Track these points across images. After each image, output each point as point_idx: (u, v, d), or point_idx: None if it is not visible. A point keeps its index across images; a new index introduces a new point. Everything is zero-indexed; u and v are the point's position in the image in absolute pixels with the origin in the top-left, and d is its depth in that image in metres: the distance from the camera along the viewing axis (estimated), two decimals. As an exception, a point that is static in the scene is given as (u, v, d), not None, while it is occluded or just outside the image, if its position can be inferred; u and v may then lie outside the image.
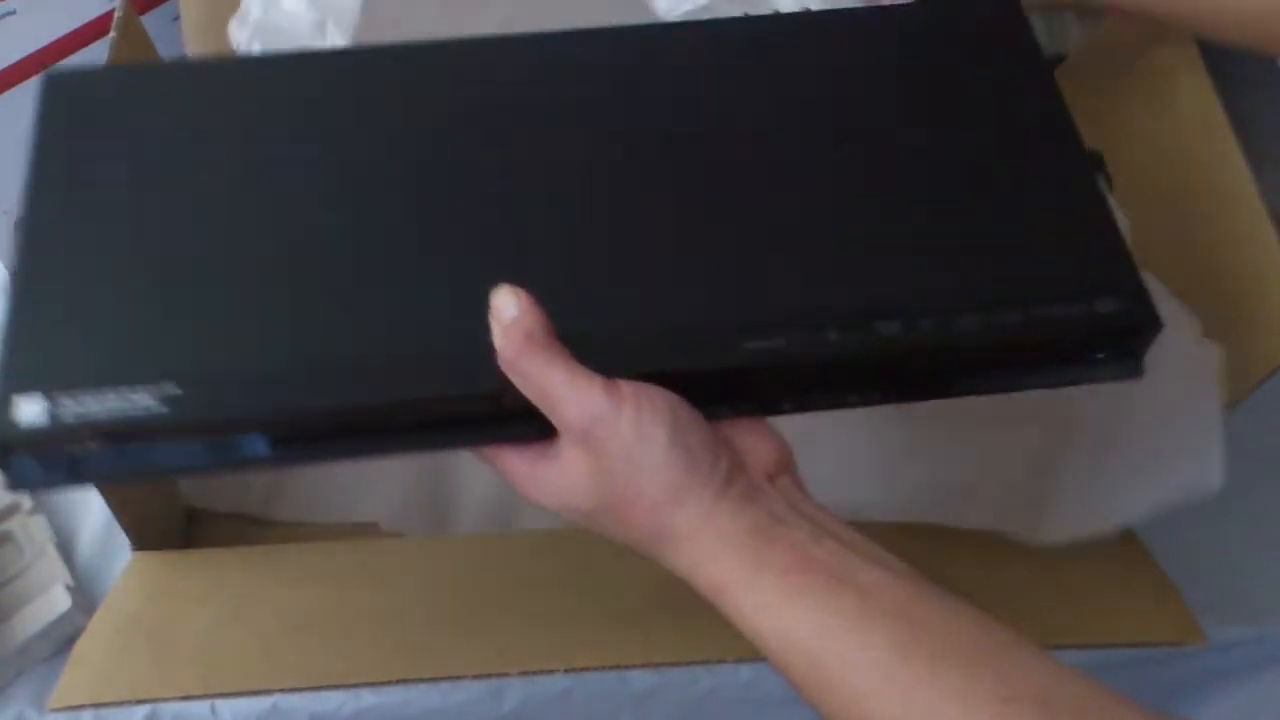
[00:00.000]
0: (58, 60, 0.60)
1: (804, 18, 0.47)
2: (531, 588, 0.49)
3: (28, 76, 0.59)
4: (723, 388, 0.37)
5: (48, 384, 0.35)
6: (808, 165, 0.41)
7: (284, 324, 0.37)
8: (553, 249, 0.39)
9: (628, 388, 0.34)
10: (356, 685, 0.46)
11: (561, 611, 0.48)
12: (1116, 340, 0.38)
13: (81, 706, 0.44)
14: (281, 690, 0.45)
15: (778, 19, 0.47)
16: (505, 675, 0.46)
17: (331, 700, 0.46)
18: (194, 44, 0.61)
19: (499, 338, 0.35)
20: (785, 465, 0.37)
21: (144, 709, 0.45)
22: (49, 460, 0.35)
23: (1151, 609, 0.48)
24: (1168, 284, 0.50)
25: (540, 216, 0.39)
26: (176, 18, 0.61)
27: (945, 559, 0.50)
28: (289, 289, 0.38)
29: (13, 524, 0.53)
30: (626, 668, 0.47)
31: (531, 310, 0.35)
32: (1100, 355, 0.38)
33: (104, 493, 0.48)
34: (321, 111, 0.42)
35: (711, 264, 0.38)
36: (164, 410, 0.35)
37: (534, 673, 0.46)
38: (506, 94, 0.42)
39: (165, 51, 0.58)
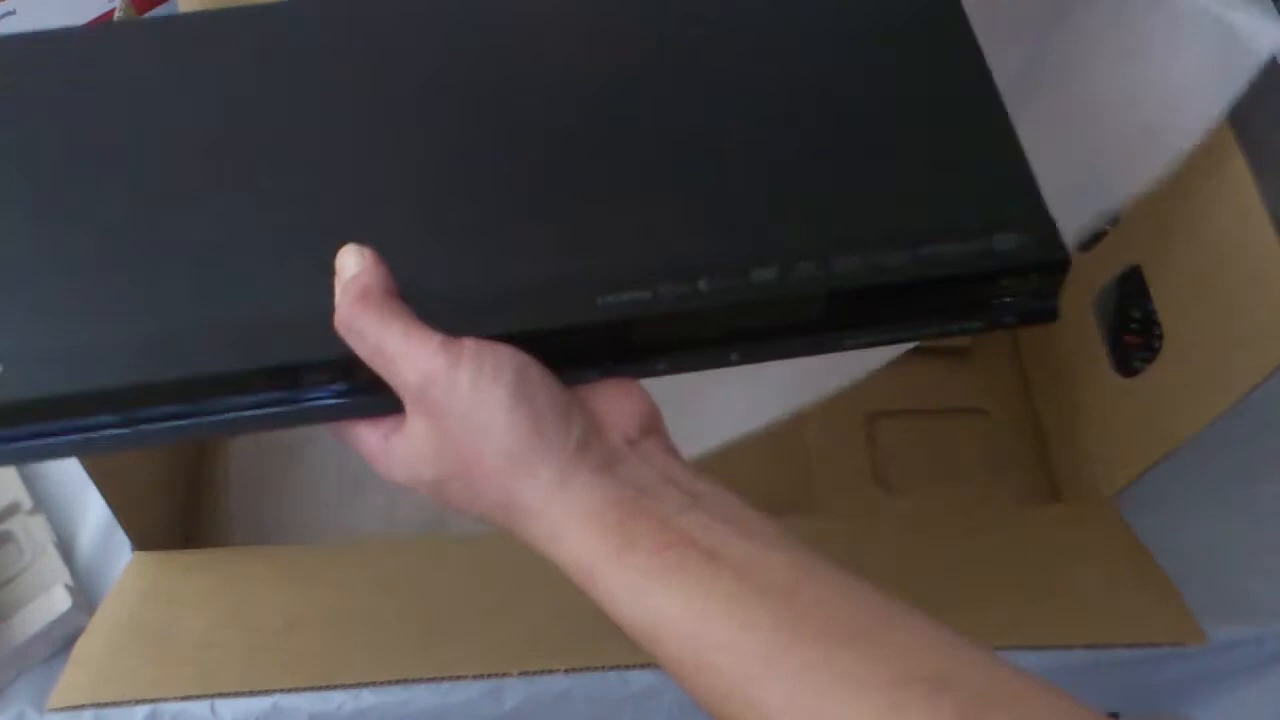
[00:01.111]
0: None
1: None
2: (531, 588, 0.49)
3: (28, 76, 0.59)
4: (586, 348, 0.34)
5: None
6: (677, 103, 0.38)
7: (121, 298, 0.35)
8: (401, 207, 0.36)
9: (469, 344, 0.32)
10: (356, 685, 0.46)
11: (561, 611, 0.48)
12: (1020, 281, 0.35)
13: (81, 706, 0.44)
14: (281, 690, 0.45)
15: None
16: (505, 675, 0.46)
17: (331, 700, 0.46)
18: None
19: (337, 295, 0.33)
20: (651, 425, 0.34)
21: (144, 709, 0.45)
22: None
23: (1151, 609, 0.48)
24: (1167, 285, 0.50)
25: (388, 174, 0.37)
26: (176, 17, 0.61)
27: (945, 558, 0.50)
28: (128, 261, 0.36)
29: (13, 524, 0.53)
30: (626, 668, 0.47)
31: (373, 267, 0.33)
32: (1007, 299, 0.35)
33: (104, 492, 0.48)
34: (173, 77, 0.40)
35: (569, 216, 0.36)
36: None
37: (534, 673, 0.46)
38: (358, 46, 0.40)
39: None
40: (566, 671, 0.46)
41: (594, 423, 0.33)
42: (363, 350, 0.33)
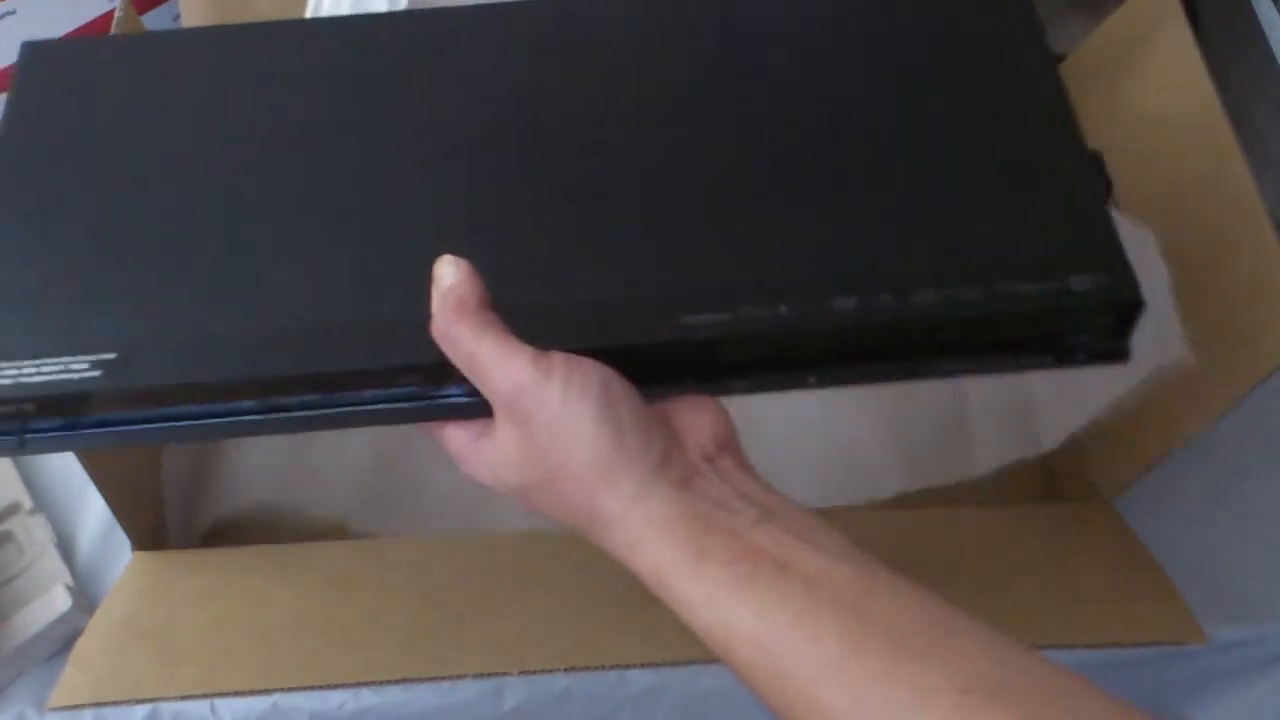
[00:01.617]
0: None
1: None
2: (531, 588, 0.49)
3: (28, 76, 0.59)
4: (667, 365, 0.36)
5: None
6: (766, 133, 0.39)
7: (230, 293, 0.37)
8: (495, 223, 0.38)
9: (558, 358, 0.33)
10: (356, 685, 0.46)
11: (561, 611, 0.48)
12: (1095, 322, 0.36)
13: (82, 706, 0.44)
14: (281, 690, 0.45)
15: None
16: (505, 675, 0.46)
17: (331, 700, 0.46)
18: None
19: (434, 304, 0.35)
20: (727, 444, 0.35)
21: (144, 708, 0.45)
22: None
23: (1151, 609, 0.48)
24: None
25: (484, 190, 0.39)
26: (177, 17, 0.61)
27: (945, 558, 0.50)
28: (235, 259, 0.37)
29: (13, 524, 0.53)
30: (626, 667, 0.47)
31: (469, 279, 0.34)
32: (1081, 338, 0.36)
33: (104, 492, 0.48)
34: (270, 85, 0.42)
35: (656, 237, 0.37)
36: (99, 376, 0.35)
37: (534, 672, 0.46)
38: (454, 68, 0.42)
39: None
40: (566, 671, 0.46)
41: (674, 439, 0.35)
42: (457, 357, 0.34)
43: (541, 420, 0.33)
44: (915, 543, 0.51)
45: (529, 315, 0.34)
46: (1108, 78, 0.57)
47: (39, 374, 0.35)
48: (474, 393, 0.35)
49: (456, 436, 0.36)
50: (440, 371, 0.35)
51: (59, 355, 0.35)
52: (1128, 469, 0.52)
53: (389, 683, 0.46)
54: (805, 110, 0.40)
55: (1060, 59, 0.64)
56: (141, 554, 0.51)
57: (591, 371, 0.33)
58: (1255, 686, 0.53)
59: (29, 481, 0.55)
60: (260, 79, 0.42)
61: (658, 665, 0.47)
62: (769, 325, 0.35)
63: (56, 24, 0.60)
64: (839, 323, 0.35)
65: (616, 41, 0.42)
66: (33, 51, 0.42)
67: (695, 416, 0.35)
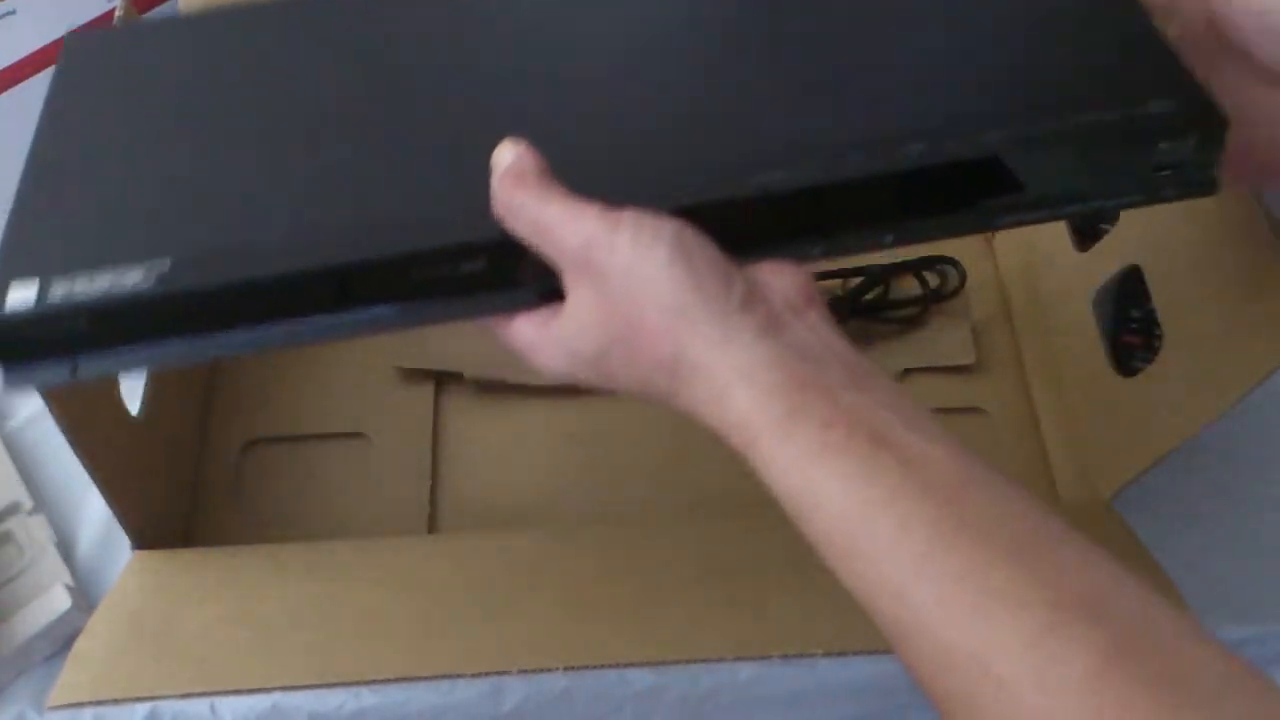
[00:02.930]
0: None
1: None
2: (531, 587, 0.49)
3: (28, 76, 0.59)
4: (738, 229, 0.34)
5: (44, 270, 0.35)
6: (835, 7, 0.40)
7: (281, 198, 0.37)
8: (553, 101, 0.38)
9: (628, 211, 0.33)
10: (356, 684, 0.46)
11: (561, 611, 0.48)
12: (1180, 145, 0.34)
13: (81, 705, 0.44)
14: (281, 689, 0.45)
15: None
16: (505, 674, 0.46)
17: (331, 699, 0.46)
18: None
19: (493, 183, 0.34)
20: (812, 299, 0.34)
21: (144, 707, 0.45)
22: (43, 351, 0.35)
23: (1151, 609, 0.48)
24: (1167, 285, 0.50)
25: (543, 79, 0.39)
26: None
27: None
28: (287, 166, 0.38)
29: (13, 524, 0.53)
30: (626, 667, 0.47)
31: (528, 153, 0.34)
32: (1165, 170, 0.35)
33: (104, 492, 0.48)
34: (318, 32, 0.43)
35: (718, 96, 0.37)
36: (154, 285, 0.34)
37: (534, 672, 0.46)
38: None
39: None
40: (566, 671, 0.46)
41: (755, 288, 0.33)
42: (522, 226, 0.34)
43: (615, 268, 0.32)
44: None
45: (593, 184, 0.34)
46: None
47: (93, 285, 0.34)
48: (539, 281, 0.34)
49: (524, 328, 0.35)
50: (502, 263, 0.35)
51: (115, 266, 0.34)
52: (1128, 469, 0.52)
53: (389, 682, 0.46)
54: None
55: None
56: (141, 553, 0.51)
57: (663, 221, 0.33)
58: (1255, 686, 0.53)
59: (29, 481, 0.55)
60: (294, 34, 0.43)
61: (658, 665, 0.47)
62: (839, 174, 0.34)
63: (56, 24, 0.60)
64: (911, 166, 0.34)
65: None
66: (72, 40, 0.44)
67: (775, 273, 0.34)
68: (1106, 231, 0.57)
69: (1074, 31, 0.38)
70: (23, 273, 0.35)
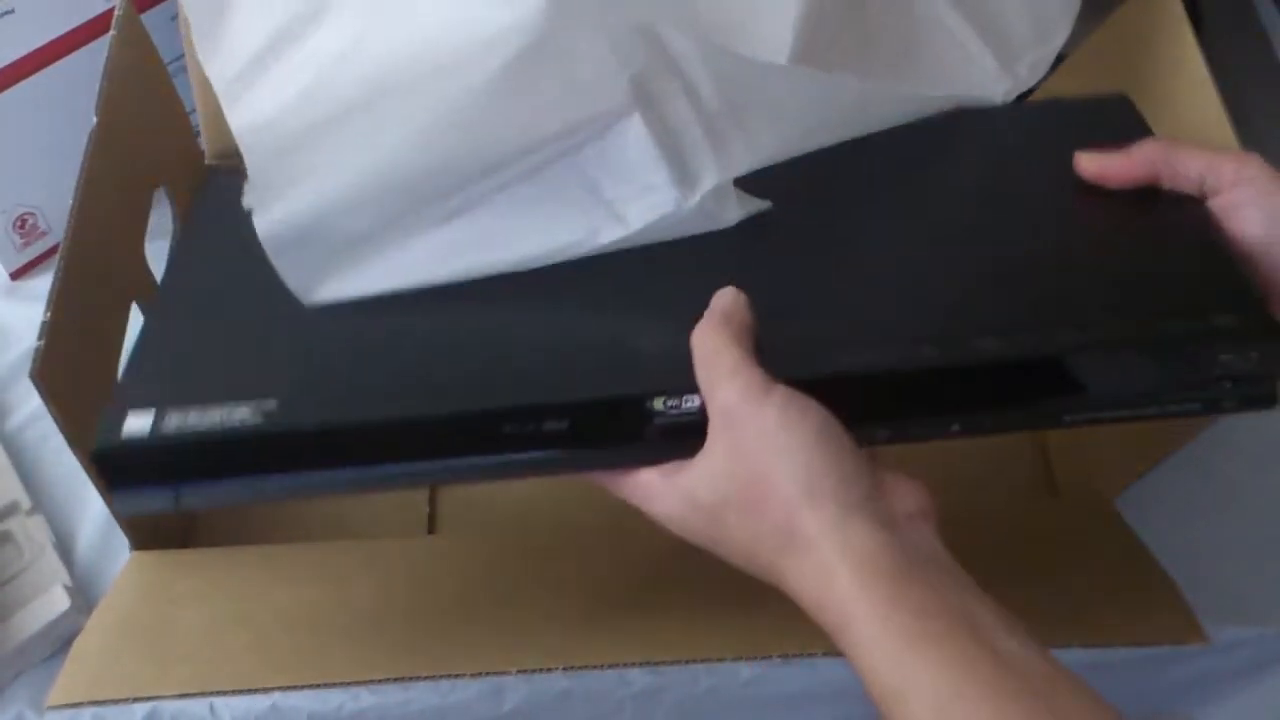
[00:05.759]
0: (57, 59, 0.60)
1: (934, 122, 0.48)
2: (531, 588, 0.49)
3: (28, 75, 0.59)
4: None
5: (161, 403, 0.37)
6: (934, 211, 0.44)
7: (391, 353, 0.39)
8: (672, 296, 0.40)
9: (785, 387, 0.34)
10: (356, 685, 0.46)
11: (561, 611, 0.48)
12: (1240, 359, 0.36)
13: (80, 704, 0.44)
14: (280, 689, 0.45)
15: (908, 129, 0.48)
16: (505, 675, 0.46)
17: (331, 700, 0.46)
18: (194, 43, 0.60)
19: (706, 314, 0.37)
20: (928, 513, 0.35)
21: (143, 707, 0.45)
22: (152, 478, 0.37)
23: (1152, 609, 0.48)
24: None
25: (658, 280, 0.42)
26: (176, 16, 0.61)
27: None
28: (404, 331, 0.40)
29: (12, 524, 0.53)
30: (626, 667, 0.47)
31: (744, 306, 0.37)
32: (1226, 382, 0.37)
33: (103, 492, 0.48)
34: None
35: (809, 289, 0.40)
36: (260, 421, 0.36)
37: (534, 672, 0.46)
38: None
39: (165, 50, 0.58)
40: (566, 671, 0.46)
41: (881, 485, 0.35)
42: (700, 358, 0.36)
43: (757, 428, 0.34)
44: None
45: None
46: (1108, 78, 0.57)
47: (204, 420, 0.36)
48: (664, 440, 0.36)
49: (649, 476, 0.37)
50: (633, 414, 0.37)
51: (223, 402, 0.37)
52: (1128, 469, 0.52)
53: (388, 682, 0.46)
54: (950, 200, 0.44)
55: (1061, 59, 0.64)
56: (140, 554, 0.51)
57: (812, 403, 0.34)
58: (1257, 687, 0.53)
59: (28, 482, 0.55)
60: None
61: (658, 665, 0.47)
62: (915, 364, 0.36)
63: (56, 23, 0.59)
64: (981, 361, 0.36)
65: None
66: (221, 175, 0.47)
67: (897, 480, 0.35)
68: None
69: (1143, 243, 0.40)
70: (140, 403, 0.37)
